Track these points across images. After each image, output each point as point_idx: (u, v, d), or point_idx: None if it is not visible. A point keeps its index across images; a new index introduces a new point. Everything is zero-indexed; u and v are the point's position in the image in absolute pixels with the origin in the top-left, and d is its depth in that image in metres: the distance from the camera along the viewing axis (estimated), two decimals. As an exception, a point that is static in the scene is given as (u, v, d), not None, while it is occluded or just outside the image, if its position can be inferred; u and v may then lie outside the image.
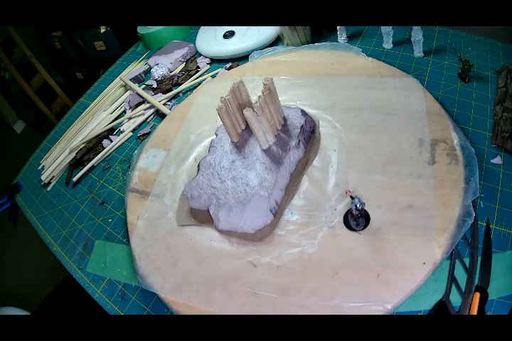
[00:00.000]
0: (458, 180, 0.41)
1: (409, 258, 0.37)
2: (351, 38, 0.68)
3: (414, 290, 0.36)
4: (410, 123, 0.47)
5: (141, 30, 0.92)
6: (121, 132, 0.72)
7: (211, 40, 0.78)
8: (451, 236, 0.37)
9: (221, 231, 0.45)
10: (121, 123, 0.74)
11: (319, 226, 0.42)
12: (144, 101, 0.76)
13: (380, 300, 0.35)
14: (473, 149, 0.43)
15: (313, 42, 0.66)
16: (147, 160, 0.58)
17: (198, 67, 0.79)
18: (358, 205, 0.37)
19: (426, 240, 0.38)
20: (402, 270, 0.37)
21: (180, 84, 0.75)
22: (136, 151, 0.60)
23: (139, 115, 0.73)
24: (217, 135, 0.52)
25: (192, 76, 0.76)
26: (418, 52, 0.60)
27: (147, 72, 0.85)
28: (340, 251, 0.40)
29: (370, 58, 0.57)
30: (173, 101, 0.73)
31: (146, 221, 0.50)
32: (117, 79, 0.87)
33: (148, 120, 0.72)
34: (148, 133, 0.68)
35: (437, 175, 0.42)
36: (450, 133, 0.45)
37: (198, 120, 0.60)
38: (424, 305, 0.37)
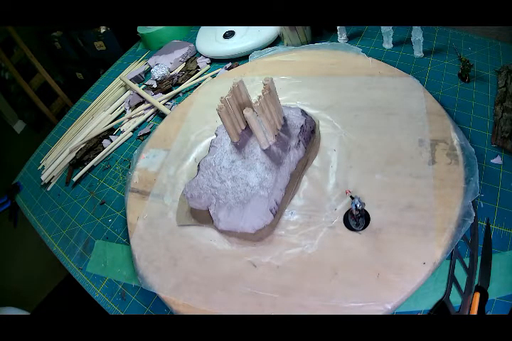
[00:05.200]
0: (458, 180, 0.41)
1: (409, 258, 0.37)
2: (351, 38, 0.68)
3: (414, 290, 0.36)
4: (410, 123, 0.47)
5: (141, 30, 0.92)
6: (121, 132, 0.72)
7: (211, 40, 0.78)
8: (451, 236, 0.37)
9: (221, 231, 0.45)
10: (121, 123, 0.74)
11: (319, 226, 0.42)
12: (144, 101, 0.76)
13: (380, 300, 0.35)
14: (473, 149, 0.43)
15: (313, 42, 0.66)
16: (147, 160, 0.58)
17: (198, 67, 0.79)
18: (358, 205, 0.37)
19: (426, 240, 0.38)
20: (402, 270, 0.37)
21: (180, 84, 0.75)
22: (136, 151, 0.60)
23: (139, 115, 0.73)
24: (217, 135, 0.52)
25: (192, 76, 0.76)
26: (418, 52, 0.60)
27: (147, 72, 0.85)
28: (340, 251, 0.40)
29: (370, 58, 0.57)
30: (173, 101, 0.73)
31: (146, 221, 0.50)
32: (117, 79, 0.87)
33: (148, 120, 0.72)
34: (148, 133, 0.68)
35: (437, 175, 0.42)
36: (450, 133, 0.45)
37: (198, 120, 0.60)
38: (424, 305, 0.37)
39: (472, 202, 0.39)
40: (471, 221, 0.38)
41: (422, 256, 0.37)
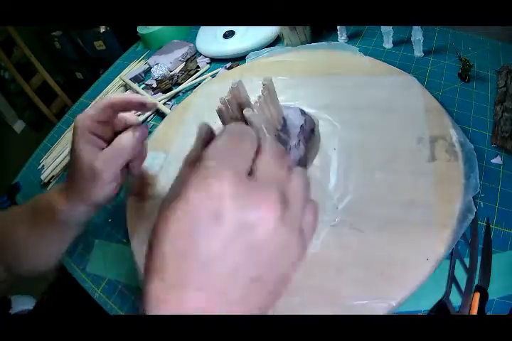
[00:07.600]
0: (458, 176, 0.41)
1: (413, 254, 0.37)
2: (351, 38, 0.68)
3: (418, 286, 0.36)
4: (409, 121, 0.47)
5: (141, 30, 0.92)
6: (121, 132, 0.72)
7: (211, 40, 0.78)
8: (453, 231, 0.37)
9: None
10: (121, 123, 0.74)
11: (322, 226, 0.42)
12: (143, 101, 0.75)
13: (384, 297, 0.35)
14: (472, 145, 0.43)
15: (313, 42, 0.66)
16: (146, 163, 0.57)
17: (198, 66, 0.79)
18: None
19: (428, 236, 0.38)
20: (405, 266, 0.37)
21: (180, 84, 0.75)
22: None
23: (139, 115, 0.73)
24: (217, 135, 0.52)
25: (192, 76, 0.76)
26: (418, 52, 0.60)
27: (147, 71, 0.85)
28: (343, 250, 0.40)
29: (367, 57, 0.57)
30: (173, 100, 0.73)
31: (146, 222, 0.50)
32: (117, 78, 0.86)
33: (148, 120, 0.72)
34: (149, 133, 0.68)
35: (437, 172, 0.42)
36: (449, 130, 0.45)
37: (197, 121, 0.60)
38: (424, 305, 0.37)
39: (473, 197, 0.39)
40: (472, 216, 0.38)
41: (425, 252, 0.37)
